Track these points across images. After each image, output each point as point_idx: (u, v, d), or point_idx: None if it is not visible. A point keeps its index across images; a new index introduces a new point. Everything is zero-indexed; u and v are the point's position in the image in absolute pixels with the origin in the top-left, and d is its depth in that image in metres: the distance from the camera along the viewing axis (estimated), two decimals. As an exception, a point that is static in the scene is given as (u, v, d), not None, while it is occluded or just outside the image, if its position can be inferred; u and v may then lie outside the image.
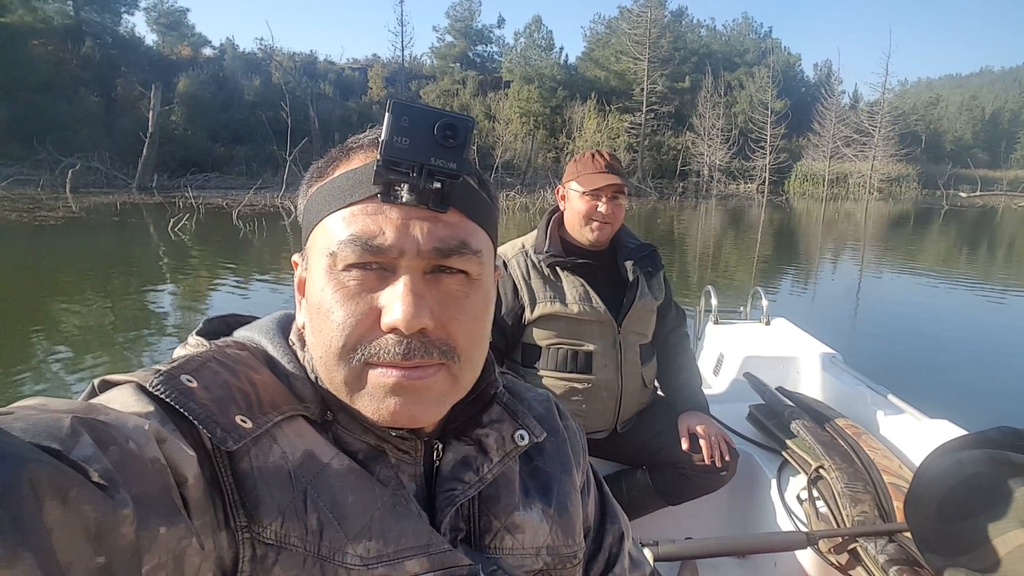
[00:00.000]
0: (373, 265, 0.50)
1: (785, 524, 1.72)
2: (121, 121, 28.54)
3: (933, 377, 5.64)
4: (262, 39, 47.22)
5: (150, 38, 39.18)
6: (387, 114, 0.48)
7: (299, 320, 0.58)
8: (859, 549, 1.42)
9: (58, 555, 0.33)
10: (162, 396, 0.45)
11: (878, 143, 37.89)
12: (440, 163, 0.48)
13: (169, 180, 26.00)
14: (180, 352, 0.55)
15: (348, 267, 0.50)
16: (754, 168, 39.14)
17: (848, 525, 1.47)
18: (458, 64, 45.69)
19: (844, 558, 1.45)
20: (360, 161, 0.53)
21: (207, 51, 41.04)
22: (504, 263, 1.80)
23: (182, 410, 0.45)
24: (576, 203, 1.78)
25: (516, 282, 1.79)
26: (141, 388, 0.46)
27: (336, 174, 0.54)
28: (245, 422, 0.47)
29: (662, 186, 37.08)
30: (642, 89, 41.07)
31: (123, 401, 0.45)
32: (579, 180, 1.77)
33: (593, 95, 39.86)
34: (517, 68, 43.34)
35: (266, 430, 0.48)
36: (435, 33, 47.77)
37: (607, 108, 39.24)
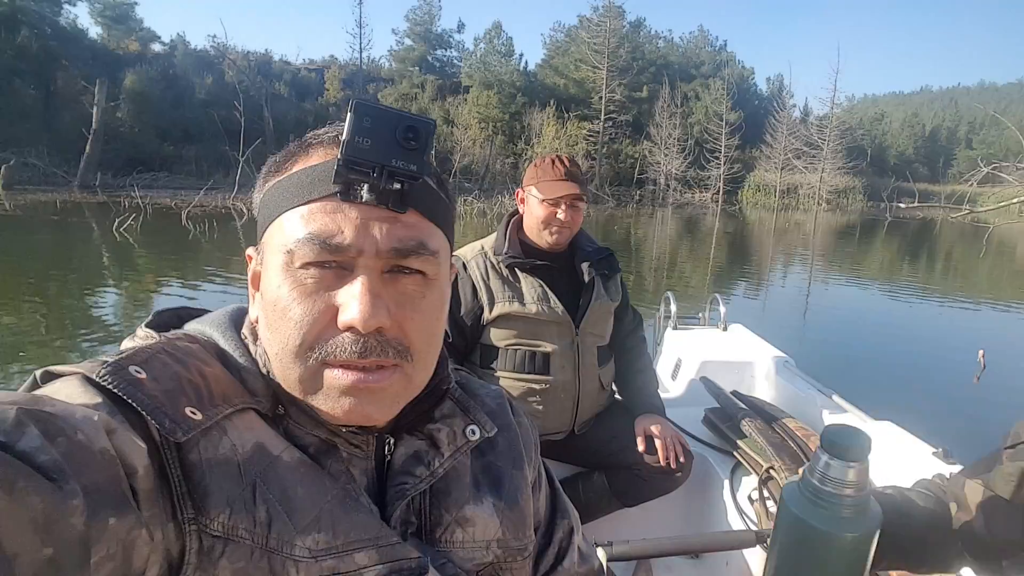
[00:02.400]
0: (331, 264, 0.50)
1: (737, 523, 1.76)
2: (61, 116, 27.31)
3: (877, 380, 5.89)
4: (215, 36, 46.11)
5: (94, 31, 37.65)
6: (349, 114, 0.48)
7: (252, 314, 0.57)
8: None
9: (4, 547, 0.32)
10: (110, 386, 0.44)
11: (827, 156, 39.29)
12: (401, 164, 0.48)
13: (114, 179, 24.92)
14: (128, 344, 0.54)
15: (305, 265, 0.50)
16: (709, 178, 40.07)
17: None
18: (417, 68, 45.49)
19: None
20: (319, 158, 0.53)
21: (156, 47, 39.68)
22: (464, 264, 1.80)
23: (130, 400, 0.44)
24: (535, 209, 1.79)
25: (475, 283, 1.79)
26: (87, 379, 0.45)
27: (294, 169, 0.53)
28: (195, 414, 0.46)
29: (619, 193, 37.59)
30: (601, 97, 41.62)
31: (69, 392, 0.44)
32: (539, 187, 1.78)
33: (552, 102, 40.17)
34: (477, 73, 43.41)
35: (216, 422, 0.48)
36: (394, 36, 47.80)
37: (566, 115, 39.60)
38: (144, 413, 0.44)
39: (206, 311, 0.62)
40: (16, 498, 0.33)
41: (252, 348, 0.56)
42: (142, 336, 0.55)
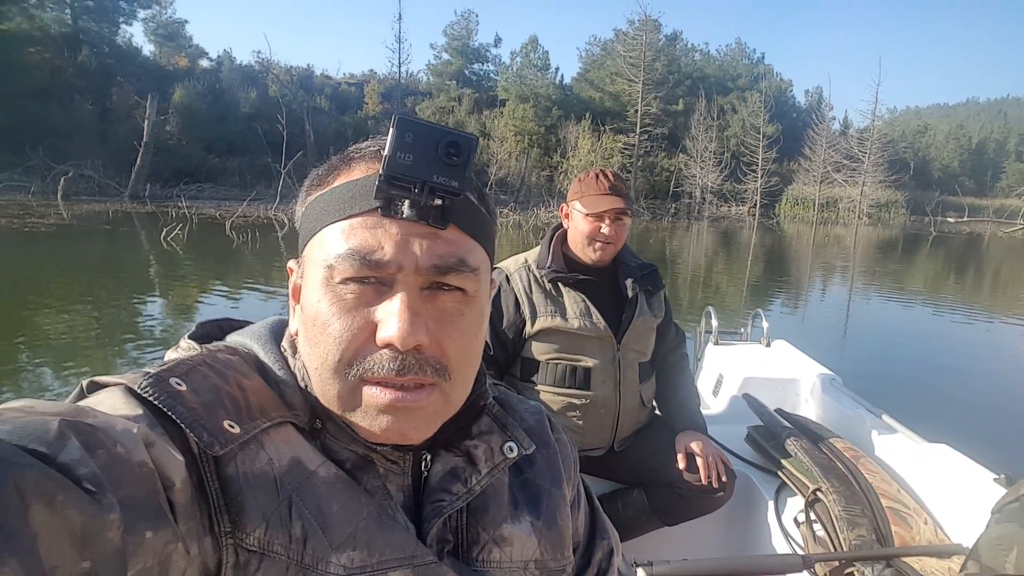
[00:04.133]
0: (371, 279, 0.50)
1: (782, 547, 1.71)
2: (115, 130, 28.52)
3: (925, 400, 5.65)
4: (259, 52, 47.40)
5: (147, 48, 39.29)
6: (392, 129, 0.47)
7: (292, 327, 0.57)
8: (856, 574, 1.41)
9: (43, 560, 0.32)
10: (151, 398, 0.45)
11: (867, 169, 38.38)
12: (443, 180, 0.48)
13: (162, 190, 25.95)
14: (172, 355, 0.54)
15: (345, 280, 0.50)
16: (746, 191, 39.50)
17: (845, 548, 1.46)
18: (454, 82, 46.06)
19: None
20: (361, 172, 0.53)
21: (204, 63, 41.24)
22: (507, 277, 1.81)
23: (170, 413, 0.45)
24: (580, 223, 1.79)
25: (518, 296, 1.78)
26: (130, 391, 0.46)
27: (336, 183, 0.53)
28: (233, 427, 0.46)
29: (655, 207, 37.35)
30: (636, 110, 41.49)
31: (111, 403, 0.44)
32: (583, 201, 1.77)
33: (587, 115, 40.21)
34: (513, 87, 43.73)
35: (253, 436, 0.48)
36: (432, 51, 48.57)
37: (601, 128, 39.59)
38: (183, 426, 0.45)
39: (248, 322, 0.62)
40: (56, 511, 0.34)
41: (291, 361, 0.56)
42: (184, 348, 0.56)
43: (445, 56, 47.17)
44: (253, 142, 31.46)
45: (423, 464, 0.58)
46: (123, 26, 35.07)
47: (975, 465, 1.67)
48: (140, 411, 0.44)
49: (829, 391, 2.37)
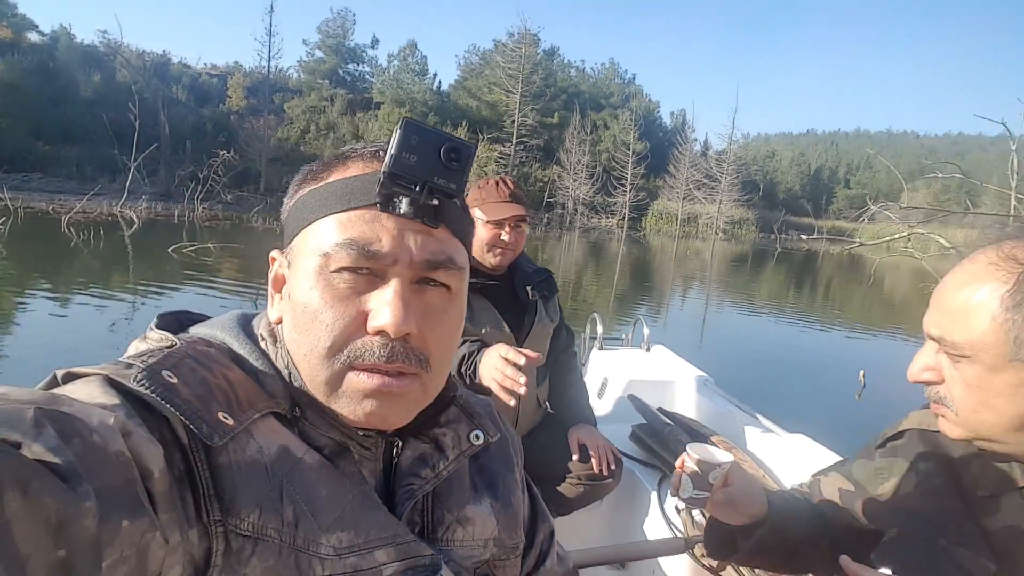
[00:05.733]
0: (364, 270, 0.52)
1: (664, 532, 1.83)
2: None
3: (776, 398, 6.28)
4: (105, 32, 42.59)
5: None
6: (398, 130, 0.50)
7: (272, 315, 0.58)
8: None
9: (18, 547, 0.32)
10: (146, 391, 0.45)
11: (724, 188, 41.98)
12: (442, 182, 0.51)
13: (-26, 177, 22.54)
14: (140, 346, 0.55)
15: (340, 269, 0.52)
16: (615, 204, 41.63)
17: None
18: (327, 81, 44.42)
19: (717, 562, 1.55)
20: (358, 169, 0.55)
21: (33, 36, 36.40)
22: None
23: (169, 406, 0.45)
24: (480, 230, 1.79)
25: None
26: (109, 381, 0.46)
27: (332, 179, 0.55)
28: (227, 419, 0.48)
29: (528, 216, 38.14)
30: (513, 121, 42.36)
31: (87, 392, 0.44)
32: (483, 208, 1.77)
33: (464, 123, 40.48)
34: (389, 90, 43.06)
35: (245, 426, 0.49)
36: (305, 47, 46.19)
37: (480, 137, 39.97)
38: (182, 418, 0.45)
39: (205, 316, 0.63)
40: (30, 499, 0.33)
41: (271, 350, 0.57)
42: (156, 339, 0.55)
43: (318, 54, 45.44)
44: (95, 131, 28.34)
45: (394, 450, 0.60)
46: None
47: (826, 450, 1.90)
48: (117, 401, 0.44)
49: (703, 391, 2.57)
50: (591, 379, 2.96)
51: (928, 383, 0.80)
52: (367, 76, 47.21)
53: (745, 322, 11.51)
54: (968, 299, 0.73)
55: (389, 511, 0.56)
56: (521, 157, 42.60)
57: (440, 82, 47.70)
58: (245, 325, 0.60)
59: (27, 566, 0.33)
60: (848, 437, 2.17)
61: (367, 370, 0.52)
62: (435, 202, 0.52)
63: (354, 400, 0.53)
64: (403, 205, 0.51)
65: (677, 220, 41.30)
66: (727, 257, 28.17)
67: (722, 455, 0.96)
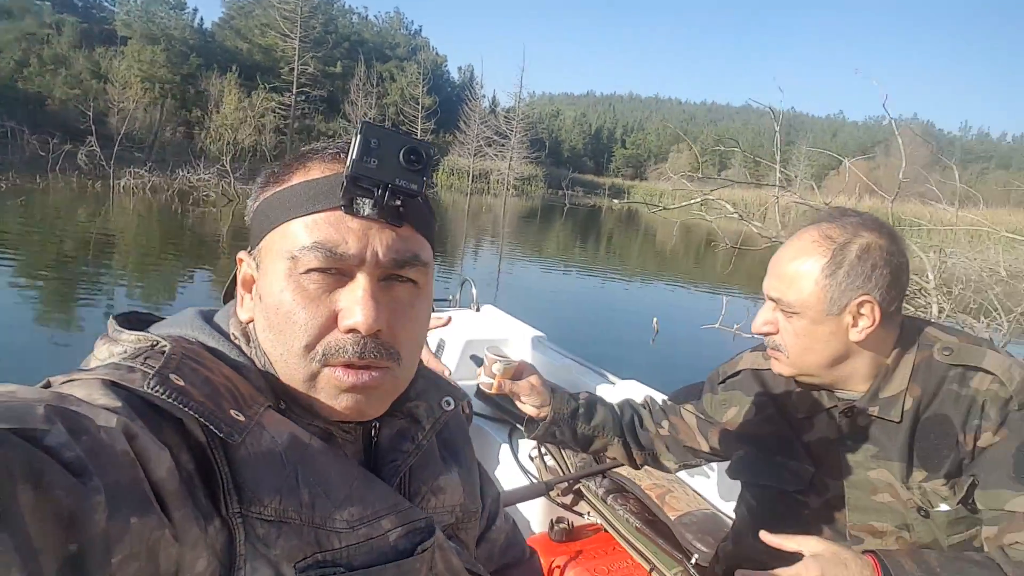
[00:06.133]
0: (333, 271, 0.54)
1: (521, 481, 1.99)
2: None
3: (606, 343, 6.72)
4: None
5: None
6: (358, 135, 0.52)
7: (243, 315, 0.60)
8: (583, 488, 1.77)
9: (32, 540, 0.33)
10: (162, 396, 0.46)
11: (514, 145, 42.63)
12: (404, 183, 0.53)
13: None
14: (112, 348, 0.54)
15: (309, 271, 0.53)
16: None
17: (573, 471, 1.82)
18: (49, 2, 36.13)
19: (570, 498, 1.81)
20: (319, 172, 0.56)
21: None
22: None
23: (187, 410, 0.47)
24: None
25: None
26: (108, 383, 0.47)
27: (294, 182, 0.57)
28: (239, 416, 0.50)
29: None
30: (292, 68, 38.56)
31: (87, 394, 0.45)
32: None
33: (235, 68, 35.87)
34: (137, 24, 36.58)
35: (256, 421, 0.52)
36: (12, -41, 36.87)
37: (258, 84, 35.63)
38: (202, 420, 0.47)
39: (156, 316, 0.63)
40: (42, 492, 0.34)
41: (246, 348, 0.58)
42: (132, 340, 0.54)
43: (32, -31, 36.61)
44: None
45: (372, 431, 0.62)
46: None
47: (655, 392, 1.97)
48: (119, 403, 0.45)
49: (539, 347, 2.68)
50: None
51: (767, 334, 1.03)
52: (106, 3, 39.52)
53: (543, 276, 11.55)
54: (798, 269, 0.97)
55: None
56: (303, 108, 39.26)
57: (202, 19, 41.74)
58: (211, 323, 0.61)
59: (40, 559, 0.33)
60: (653, 379, 2.30)
61: (341, 366, 0.54)
62: (398, 202, 0.53)
63: (331, 395, 0.55)
64: (367, 207, 0.53)
65: (469, 176, 41.23)
66: (518, 213, 28.67)
67: (512, 356, 1.20)
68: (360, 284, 0.53)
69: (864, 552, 0.89)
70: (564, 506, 1.79)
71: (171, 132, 32.80)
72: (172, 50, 35.45)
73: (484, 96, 49.39)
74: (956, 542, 0.95)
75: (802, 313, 0.96)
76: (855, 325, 0.95)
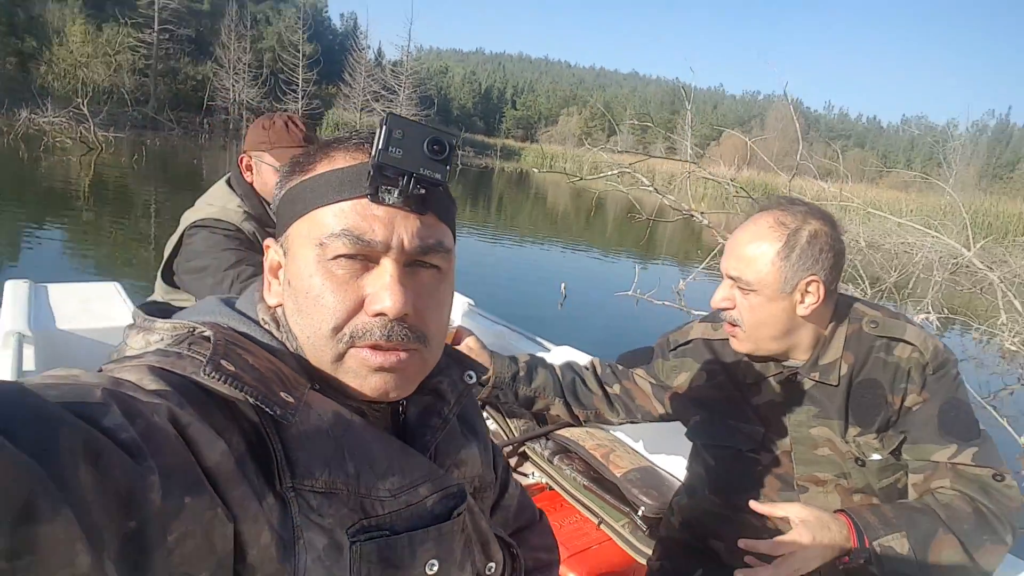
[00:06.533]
0: (360, 257, 0.56)
1: None
2: None
3: (515, 308, 6.67)
4: None
5: None
6: (383, 126, 0.54)
7: (271, 300, 0.62)
8: (527, 450, 1.82)
9: (94, 516, 0.34)
10: (219, 382, 0.49)
11: (402, 102, 41.15)
12: (427, 173, 0.55)
13: None
14: (143, 336, 0.56)
15: (337, 257, 0.55)
16: (286, 111, 37.58)
17: (516, 435, 1.82)
18: None
19: (515, 460, 1.86)
20: (343, 161, 0.58)
21: None
22: (237, 226, 1.70)
23: (242, 394, 0.49)
24: (270, 178, 1.71)
25: (253, 244, 1.69)
26: (157, 369, 0.49)
27: (319, 171, 0.58)
28: (288, 397, 0.52)
29: (185, 120, 32.29)
30: (152, 2, 34.61)
31: (139, 379, 0.47)
32: (273, 152, 1.69)
33: (80, -4, 31.59)
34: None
35: (303, 400, 0.54)
36: None
37: (110, 17, 31.58)
38: (257, 403, 0.49)
39: (172, 305, 0.66)
40: (101, 470, 0.36)
41: (277, 333, 0.60)
42: (168, 328, 0.56)
43: None
44: None
45: (400, 409, 0.65)
46: None
47: (589, 356, 1.98)
48: (169, 388, 0.47)
49: (471, 315, 2.62)
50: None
51: (725, 309, 1.12)
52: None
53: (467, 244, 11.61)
54: (755, 251, 1.08)
55: None
56: (167, 48, 35.49)
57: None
58: (236, 309, 0.63)
59: (104, 535, 0.34)
60: (559, 339, 2.38)
61: (369, 348, 0.56)
62: (422, 191, 0.55)
63: (359, 376, 0.57)
64: (392, 196, 0.55)
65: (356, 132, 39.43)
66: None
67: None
68: (387, 270, 0.55)
69: (836, 512, 1.05)
70: (511, 469, 1.83)
71: (1, 65, 28.55)
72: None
73: (369, 48, 47.13)
74: (884, 485, 1.12)
75: (759, 291, 1.07)
76: (802, 302, 1.08)
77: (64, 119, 17.49)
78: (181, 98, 34.92)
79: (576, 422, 1.41)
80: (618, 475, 1.69)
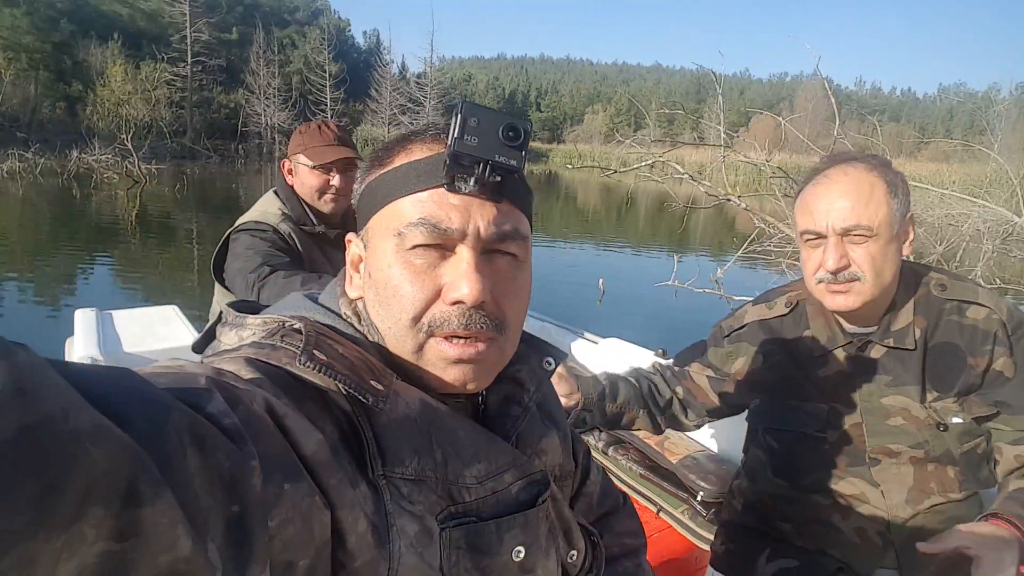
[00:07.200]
0: (437, 246, 0.56)
1: None
2: None
3: (580, 307, 6.86)
4: None
5: None
6: (458, 114, 0.54)
7: (352, 293, 0.63)
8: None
9: (200, 499, 0.35)
10: (315, 371, 0.50)
11: (428, 112, 41.58)
12: (503, 160, 0.55)
13: None
14: (236, 333, 0.58)
15: (415, 247, 0.55)
16: (319, 129, 38.46)
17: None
18: None
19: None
20: (420, 152, 0.59)
21: None
22: (274, 228, 1.75)
23: (336, 382, 0.50)
24: (307, 178, 1.78)
25: (292, 246, 1.76)
26: (253, 361, 0.51)
27: (398, 163, 0.59)
28: (378, 385, 0.53)
29: (221, 147, 33.28)
30: (183, 37, 35.82)
31: (237, 370, 0.49)
32: (307, 153, 1.76)
33: (116, 35, 32.97)
34: (-7, -14, 32.58)
35: (392, 389, 0.55)
36: None
37: (146, 54, 32.81)
38: (350, 391, 0.50)
39: (262, 305, 0.66)
40: (206, 455, 0.36)
41: (358, 326, 0.61)
42: (257, 323, 0.57)
43: None
44: None
45: (480, 398, 0.65)
46: None
47: (640, 348, 2.11)
48: (265, 378, 0.49)
49: None
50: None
51: (843, 268, 1.04)
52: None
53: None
54: (870, 195, 1.02)
55: None
56: (200, 79, 36.68)
57: (71, -19, 37.68)
58: (319, 303, 0.64)
59: (209, 518, 0.35)
60: (602, 332, 2.41)
61: (447, 337, 0.56)
62: (498, 178, 0.55)
63: (439, 367, 0.57)
64: (468, 184, 0.55)
65: (385, 147, 40.00)
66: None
67: None
68: (464, 257, 0.55)
69: (988, 519, 0.99)
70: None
71: (50, 108, 29.94)
72: (36, 14, 32.02)
73: (392, 62, 47.79)
74: (966, 450, 1.09)
75: (879, 234, 1.01)
76: (906, 240, 1.06)
77: (110, 155, 18.31)
78: (216, 127, 36.14)
79: (658, 431, 1.34)
80: (674, 462, 1.70)
